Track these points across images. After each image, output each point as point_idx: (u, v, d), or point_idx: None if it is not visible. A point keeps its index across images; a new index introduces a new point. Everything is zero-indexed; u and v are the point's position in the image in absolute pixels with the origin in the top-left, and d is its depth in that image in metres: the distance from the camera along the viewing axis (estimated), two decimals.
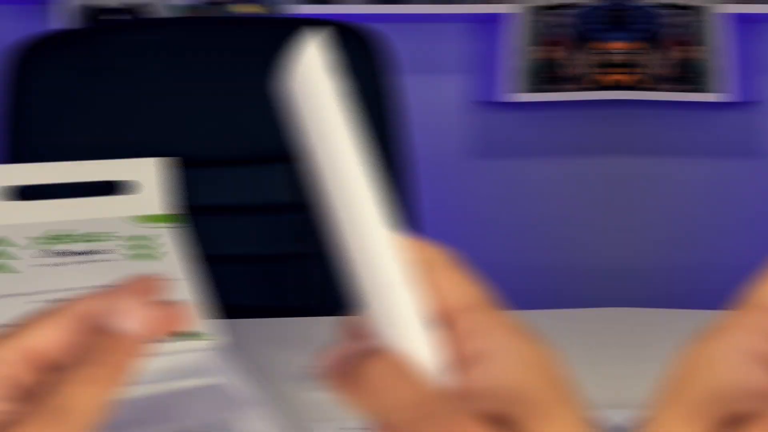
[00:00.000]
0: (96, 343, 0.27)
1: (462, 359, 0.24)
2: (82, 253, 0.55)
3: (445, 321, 0.25)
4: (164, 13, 1.93)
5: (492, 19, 2.03)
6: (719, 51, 2.06)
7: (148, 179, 0.54)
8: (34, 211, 0.69)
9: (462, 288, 0.25)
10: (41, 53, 0.93)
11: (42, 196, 0.69)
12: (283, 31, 1.02)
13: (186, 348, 0.58)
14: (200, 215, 0.67)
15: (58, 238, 0.68)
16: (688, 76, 2.07)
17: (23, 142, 0.91)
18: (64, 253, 0.66)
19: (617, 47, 2.03)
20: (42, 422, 0.25)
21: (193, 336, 0.58)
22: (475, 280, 0.26)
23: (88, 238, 0.57)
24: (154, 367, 0.56)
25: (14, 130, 0.91)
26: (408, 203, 1.01)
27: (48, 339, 0.27)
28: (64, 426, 0.25)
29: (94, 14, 1.85)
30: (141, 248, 0.55)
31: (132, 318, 0.27)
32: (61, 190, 0.68)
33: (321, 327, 0.71)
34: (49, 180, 0.68)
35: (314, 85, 0.23)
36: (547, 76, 2.06)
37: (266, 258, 0.98)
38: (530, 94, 2.04)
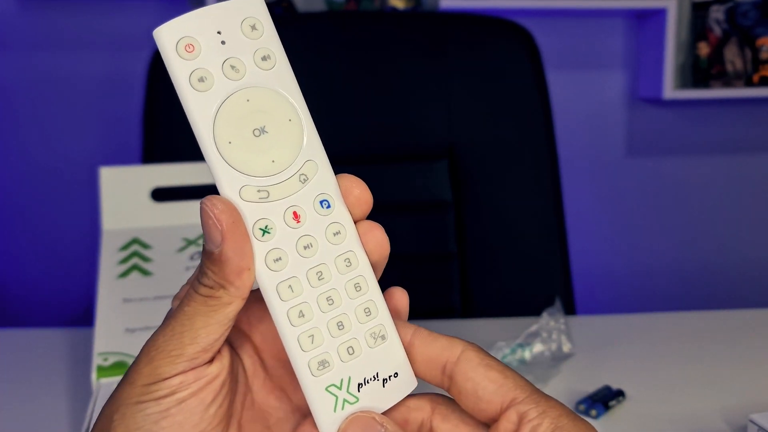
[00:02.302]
0: None
1: None
2: None
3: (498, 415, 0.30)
4: (308, 8, 1.96)
5: (651, 14, 1.95)
6: None
7: None
8: (167, 213, 0.70)
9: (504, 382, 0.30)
10: None
11: (174, 197, 0.70)
12: (432, 28, 1.00)
13: None
14: None
15: (192, 242, 0.69)
16: None
17: (158, 141, 0.93)
18: (196, 256, 0.67)
19: None
20: None
21: None
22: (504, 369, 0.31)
23: None
24: None
25: (150, 129, 0.94)
26: (561, 199, 0.98)
27: None
28: None
29: None
30: None
31: None
32: (195, 191, 0.69)
33: (463, 329, 0.70)
34: (182, 181, 0.69)
35: None
36: (705, 72, 1.97)
37: (407, 257, 0.97)
38: (689, 90, 1.95)
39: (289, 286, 0.29)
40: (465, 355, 0.31)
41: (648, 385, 0.65)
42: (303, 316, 0.29)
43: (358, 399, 0.30)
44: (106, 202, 0.69)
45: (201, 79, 0.28)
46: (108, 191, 0.69)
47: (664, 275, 2.15)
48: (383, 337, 0.31)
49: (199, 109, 0.28)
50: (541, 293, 0.96)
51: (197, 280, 0.29)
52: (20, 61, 1.91)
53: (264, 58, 0.29)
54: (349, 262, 0.30)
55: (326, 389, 0.30)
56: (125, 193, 0.69)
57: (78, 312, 1.88)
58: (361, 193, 0.32)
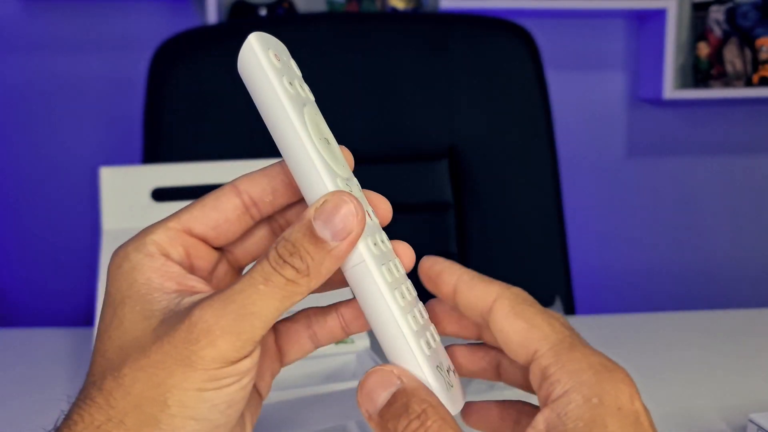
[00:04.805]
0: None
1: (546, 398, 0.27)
2: None
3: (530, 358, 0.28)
4: (309, 9, 1.96)
5: (651, 15, 1.95)
6: None
7: None
8: (167, 213, 0.70)
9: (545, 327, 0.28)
10: (177, 52, 0.94)
11: (175, 197, 0.70)
12: (432, 28, 1.00)
13: (335, 351, 0.57)
14: None
15: None
16: None
17: (159, 141, 0.93)
18: None
19: None
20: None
21: (342, 340, 0.58)
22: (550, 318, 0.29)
23: None
24: (305, 371, 0.56)
25: (150, 130, 0.93)
26: (561, 200, 0.98)
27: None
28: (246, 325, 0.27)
29: (249, 9, 1.90)
30: None
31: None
32: (195, 191, 0.69)
33: None
34: (182, 181, 0.69)
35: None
36: (706, 73, 1.98)
37: None
38: (689, 91, 1.95)
39: (389, 269, 0.29)
40: (497, 304, 0.29)
41: (648, 385, 0.65)
42: (404, 297, 0.29)
43: (452, 385, 0.30)
44: (106, 202, 0.69)
45: (290, 83, 0.29)
46: (108, 191, 0.69)
47: (664, 275, 2.15)
48: (436, 341, 0.31)
49: (293, 108, 0.28)
50: (541, 293, 0.96)
51: (284, 261, 0.27)
52: (22, 62, 1.91)
53: (305, 86, 0.31)
54: (397, 268, 0.31)
55: (437, 368, 0.29)
56: (125, 193, 0.69)
57: (78, 312, 1.88)
58: (388, 208, 0.32)
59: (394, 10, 1.91)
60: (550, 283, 0.97)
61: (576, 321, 0.82)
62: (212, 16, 1.78)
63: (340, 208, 0.27)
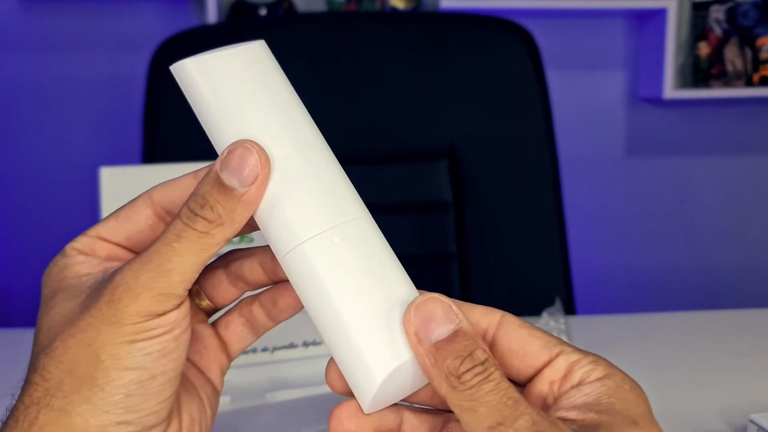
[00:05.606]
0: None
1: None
2: None
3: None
4: (310, 9, 1.96)
5: (651, 14, 1.95)
6: None
7: None
8: None
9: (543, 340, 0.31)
10: (176, 52, 0.94)
11: None
12: (432, 28, 1.00)
13: None
14: None
15: None
16: None
17: (158, 141, 0.93)
18: None
19: None
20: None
21: None
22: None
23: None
24: (305, 371, 0.56)
25: (150, 129, 0.93)
26: (561, 199, 0.98)
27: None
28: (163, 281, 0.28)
29: (249, 9, 1.90)
30: None
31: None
32: None
33: None
34: None
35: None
36: (706, 72, 1.98)
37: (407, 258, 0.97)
38: (689, 90, 1.95)
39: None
40: (505, 318, 0.31)
41: (648, 385, 0.65)
42: None
43: None
44: (106, 202, 0.69)
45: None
46: (108, 191, 0.69)
47: (663, 275, 2.15)
48: None
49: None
50: (541, 293, 0.96)
51: (194, 213, 0.28)
52: (21, 62, 1.91)
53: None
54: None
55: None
56: (125, 193, 0.69)
57: None
58: None
59: (394, 10, 1.91)
60: (550, 283, 0.97)
61: (576, 321, 0.82)
62: (212, 16, 1.78)
63: (244, 155, 0.28)
